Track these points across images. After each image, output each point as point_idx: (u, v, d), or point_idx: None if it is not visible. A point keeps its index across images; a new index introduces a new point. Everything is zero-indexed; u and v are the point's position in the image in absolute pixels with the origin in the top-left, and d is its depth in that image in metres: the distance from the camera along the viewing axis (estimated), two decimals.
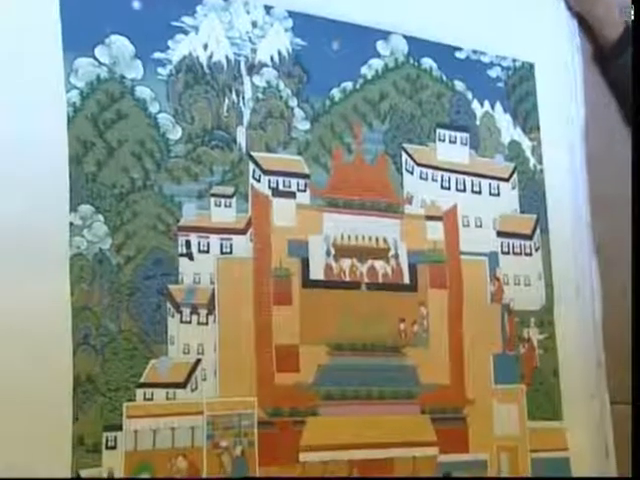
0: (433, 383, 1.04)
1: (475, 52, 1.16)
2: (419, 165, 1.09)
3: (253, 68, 1.02)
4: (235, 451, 0.93)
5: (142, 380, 0.90)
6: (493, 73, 1.17)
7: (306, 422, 0.97)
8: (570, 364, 1.11)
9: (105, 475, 0.87)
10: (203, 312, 0.95)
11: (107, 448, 0.87)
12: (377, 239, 1.05)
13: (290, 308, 0.99)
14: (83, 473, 0.85)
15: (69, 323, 0.87)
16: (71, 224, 0.89)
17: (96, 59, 0.93)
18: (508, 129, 1.16)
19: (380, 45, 1.09)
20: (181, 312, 0.93)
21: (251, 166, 1.00)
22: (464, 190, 1.11)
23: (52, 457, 0.85)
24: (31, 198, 0.87)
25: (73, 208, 0.89)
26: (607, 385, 1.13)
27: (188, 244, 0.95)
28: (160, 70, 0.96)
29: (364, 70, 1.08)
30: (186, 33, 0.98)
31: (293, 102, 1.03)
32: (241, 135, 1.00)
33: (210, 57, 0.99)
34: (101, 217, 0.91)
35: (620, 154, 1.20)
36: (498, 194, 1.13)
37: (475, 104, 1.15)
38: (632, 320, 1.11)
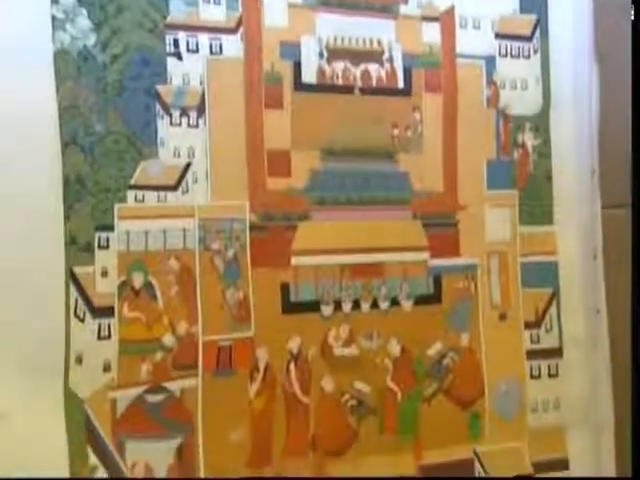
0: (425, 189, 1.03)
1: None
2: None
3: None
4: (227, 254, 0.94)
5: (132, 182, 0.90)
6: None
7: (298, 227, 0.98)
8: (564, 170, 1.10)
9: (99, 272, 0.88)
10: (193, 115, 0.93)
11: (99, 248, 0.88)
12: (371, 41, 1.01)
13: (281, 112, 0.97)
14: (77, 270, 0.87)
15: (56, 122, 0.86)
16: (53, 17, 0.86)
17: None
18: None
19: None
20: (170, 114, 0.92)
21: None
22: None
23: (46, 255, 0.86)
24: None
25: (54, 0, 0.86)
26: (600, 190, 1.13)
27: (176, 43, 0.92)
28: None
29: None
30: None
31: None
32: None
33: None
34: (84, 11, 0.87)
35: None
36: None
37: None
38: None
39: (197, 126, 0.93)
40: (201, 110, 0.93)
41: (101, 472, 0.87)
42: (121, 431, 0.88)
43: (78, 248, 0.87)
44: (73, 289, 0.87)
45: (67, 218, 0.86)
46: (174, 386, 0.91)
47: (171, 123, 0.92)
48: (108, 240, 0.89)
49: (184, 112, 0.92)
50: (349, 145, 1.00)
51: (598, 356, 1.11)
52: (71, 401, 0.86)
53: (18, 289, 0.84)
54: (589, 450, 1.11)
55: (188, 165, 0.92)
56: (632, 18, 1.14)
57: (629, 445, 1.05)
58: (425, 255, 1.03)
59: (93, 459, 0.87)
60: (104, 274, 0.89)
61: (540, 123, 1.09)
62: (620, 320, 1.10)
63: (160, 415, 0.90)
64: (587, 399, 1.11)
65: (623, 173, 1.10)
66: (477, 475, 1.05)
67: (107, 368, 0.88)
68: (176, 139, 0.92)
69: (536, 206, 1.09)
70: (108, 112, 0.89)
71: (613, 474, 1.11)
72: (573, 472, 1.09)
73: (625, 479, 1.09)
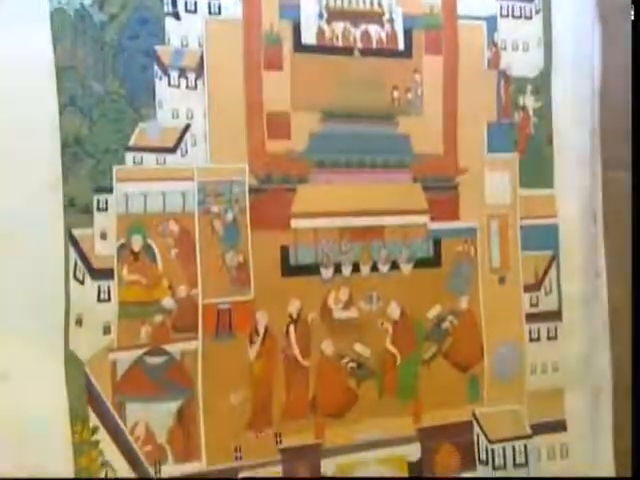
0: (426, 152, 1.03)
1: None
2: None
3: None
4: (226, 217, 0.94)
5: (131, 144, 0.89)
6: None
7: (297, 190, 0.97)
8: (565, 132, 1.09)
9: (97, 235, 0.88)
10: (191, 76, 0.92)
11: (98, 210, 0.88)
12: (371, 2, 1.00)
13: (281, 74, 0.96)
14: (76, 232, 0.87)
15: (53, 83, 0.85)
16: None
17: None
18: None
19: None
20: (169, 75, 0.91)
21: None
22: None
23: (45, 217, 0.86)
24: None
25: None
26: (601, 153, 1.12)
27: (174, 3, 0.91)
28: None
29: None
30: None
31: None
32: None
33: None
34: None
35: None
36: None
37: None
38: None
39: (196, 88, 0.92)
40: (200, 71, 0.92)
41: (102, 433, 0.87)
42: (121, 392, 0.89)
43: (77, 210, 0.87)
44: (72, 251, 0.87)
45: (65, 180, 0.86)
46: (174, 348, 0.91)
47: (169, 84, 0.91)
48: (107, 202, 0.88)
49: (182, 73, 0.91)
50: (349, 107, 0.99)
51: (597, 318, 1.12)
52: (71, 362, 0.86)
53: (18, 251, 0.84)
54: (587, 411, 1.11)
55: (187, 127, 0.92)
56: (632, 18, 1.13)
57: (629, 407, 1.06)
58: (425, 218, 1.03)
59: (94, 420, 0.87)
60: (103, 236, 0.88)
61: (541, 85, 1.08)
62: (620, 282, 1.10)
63: (160, 377, 0.91)
64: (586, 361, 1.11)
65: (624, 135, 1.10)
66: (475, 437, 1.05)
67: (107, 330, 0.88)
68: (174, 100, 0.91)
69: (536, 169, 1.09)
70: (106, 72, 0.88)
71: (610, 435, 1.12)
72: (570, 433, 1.10)
73: (625, 479, 1.09)
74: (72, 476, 0.86)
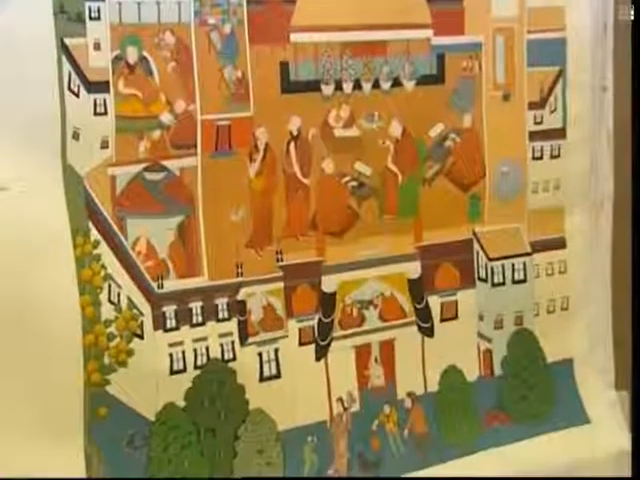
0: None
1: None
2: None
3: None
4: (224, 29, 0.90)
5: None
6: None
7: (297, 1, 0.93)
8: None
9: (91, 45, 0.84)
10: None
11: (91, 19, 0.84)
12: None
13: None
14: (68, 42, 0.83)
15: None
16: None
17: None
18: None
19: None
20: None
21: None
22: None
23: (34, 24, 0.81)
24: None
25: None
26: None
27: None
28: None
29: None
30: None
31: None
32: None
33: None
34: None
35: None
36: None
37: None
38: None
39: None
40: None
41: (103, 247, 0.87)
42: (121, 207, 0.88)
43: (68, 18, 0.83)
44: (66, 62, 0.83)
45: None
46: (173, 165, 0.90)
47: None
48: (99, 10, 0.84)
49: None
50: None
51: (602, 135, 1.11)
52: (70, 176, 0.85)
53: (6, 63, 0.80)
54: (587, 229, 1.12)
55: None
56: (632, 18, 1.07)
57: (629, 222, 1.06)
58: (428, 33, 1.00)
59: (95, 234, 0.87)
60: (97, 47, 0.85)
61: None
62: (625, 97, 1.08)
63: (160, 193, 0.90)
64: (588, 179, 1.11)
65: None
66: (475, 255, 1.06)
67: (105, 144, 0.86)
68: None
69: None
70: None
71: (609, 252, 1.14)
72: (570, 250, 1.11)
73: (625, 479, 1.09)
74: (75, 287, 0.86)
